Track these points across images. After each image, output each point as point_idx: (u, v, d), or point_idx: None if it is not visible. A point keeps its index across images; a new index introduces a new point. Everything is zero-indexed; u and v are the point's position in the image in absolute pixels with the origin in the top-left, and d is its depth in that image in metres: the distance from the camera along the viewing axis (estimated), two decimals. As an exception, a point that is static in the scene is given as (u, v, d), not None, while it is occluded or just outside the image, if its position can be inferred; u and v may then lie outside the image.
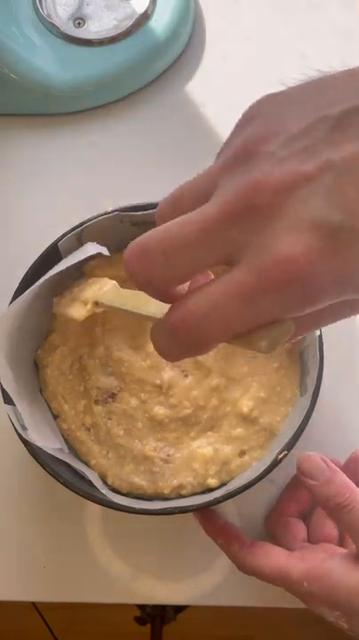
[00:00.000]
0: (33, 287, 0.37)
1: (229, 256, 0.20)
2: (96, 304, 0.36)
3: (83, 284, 0.39)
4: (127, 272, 0.21)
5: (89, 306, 0.36)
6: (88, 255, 0.37)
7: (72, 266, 0.38)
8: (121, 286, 0.42)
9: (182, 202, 0.22)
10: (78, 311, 0.37)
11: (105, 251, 0.38)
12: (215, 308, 0.20)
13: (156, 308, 0.27)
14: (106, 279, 0.37)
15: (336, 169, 0.18)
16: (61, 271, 0.37)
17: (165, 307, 0.22)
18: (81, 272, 0.42)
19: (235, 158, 0.20)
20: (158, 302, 0.23)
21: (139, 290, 0.22)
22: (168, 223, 0.21)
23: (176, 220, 0.20)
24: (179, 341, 0.21)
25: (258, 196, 0.19)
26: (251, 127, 0.20)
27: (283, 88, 0.22)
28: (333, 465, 0.35)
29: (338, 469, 0.35)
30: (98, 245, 0.38)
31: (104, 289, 0.36)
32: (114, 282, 0.37)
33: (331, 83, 0.20)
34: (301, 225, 0.18)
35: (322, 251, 0.18)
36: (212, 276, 0.22)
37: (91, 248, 0.38)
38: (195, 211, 0.20)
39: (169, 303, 0.22)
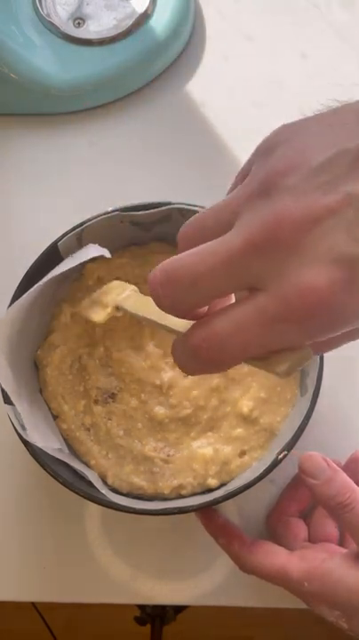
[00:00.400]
0: (33, 288, 0.37)
1: (252, 284, 0.20)
2: (116, 308, 0.37)
3: (105, 286, 0.39)
4: (152, 295, 0.22)
5: (109, 309, 0.37)
6: (89, 257, 0.37)
7: (72, 267, 0.38)
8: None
9: (205, 228, 0.22)
10: (98, 314, 0.37)
11: (106, 253, 0.38)
12: (238, 332, 0.21)
13: (178, 321, 0.28)
14: (126, 284, 0.38)
15: (356, 203, 0.19)
16: (61, 272, 0.37)
17: (187, 321, 0.23)
18: (80, 273, 0.42)
19: (259, 190, 0.20)
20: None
21: (162, 311, 0.23)
22: (192, 251, 0.21)
23: (200, 248, 0.21)
24: (200, 360, 0.22)
25: (281, 229, 0.19)
26: (272, 159, 0.21)
27: (301, 117, 0.23)
28: (334, 465, 0.35)
29: (339, 469, 0.35)
30: (99, 247, 0.38)
31: (124, 293, 0.37)
32: (134, 287, 0.37)
33: (348, 114, 0.21)
34: (324, 258, 0.19)
35: (344, 282, 0.19)
36: (234, 299, 0.23)
37: (93, 250, 0.38)
38: (218, 240, 0.21)
39: (191, 320, 0.23)
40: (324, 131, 0.21)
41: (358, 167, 0.19)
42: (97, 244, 0.38)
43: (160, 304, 0.23)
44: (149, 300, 0.34)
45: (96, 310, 0.38)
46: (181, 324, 0.27)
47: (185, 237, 0.23)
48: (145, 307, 0.34)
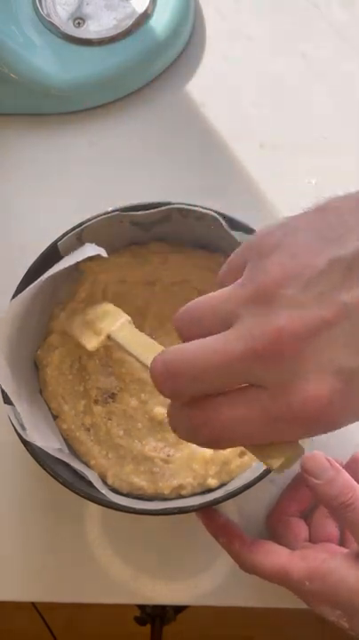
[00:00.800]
0: (30, 287, 0.37)
1: (253, 382, 0.22)
2: (108, 337, 0.37)
3: (99, 308, 0.39)
4: (153, 382, 0.23)
5: (102, 337, 0.38)
6: (86, 256, 0.37)
7: (70, 266, 0.38)
8: (121, 289, 0.42)
9: (203, 321, 0.23)
10: (90, 341, 0.38)
11: (103, 252, 0.38)
12: (241, 424, 0.22)
13: None
14: (121, 312, 0.38)
15: (352, 314, 0.20)
16: (59, 271, 0.37)
17: None
18: (80, 273, 0.42)
19: (256, 297, 0.22)
20: None
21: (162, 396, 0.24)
22: (193, 346, 0.23)
23: (201, 345, 0.22)
24: (198, 437, 0.23)
25: (282, 341, 0.21)
26: (268, 265, 0.22)
27: (292, 214, 0.23)
28: (337, 464, 0.35)
29: (341, 469, 0.35)
30: (96, 246, 0.38)
31: (118, 322, 0.38)
32: (128, 317, 0.38)
33: (332, 213, 0.22)
34: (325, 369, 0.20)
35: (343, 392, 0.21)
36: None
37: (90, 249, 0.38)
38: (219, 339, 0.22)
39: None
40: (313, 234, 0.22)
41: (352, 276, 0.20)
42: (95, 244, 0.38)
43: (161, 392, 0.24)
44: (142, 335, 0.35)
45: (88, 336, 0.38)
46: None
47: (181, 325, 0.24)
48: (136, 343, 0.35)
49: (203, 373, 0.22)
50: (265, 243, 0.23)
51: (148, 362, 0.31)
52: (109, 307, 0.39)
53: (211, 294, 0.24)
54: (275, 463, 0.23)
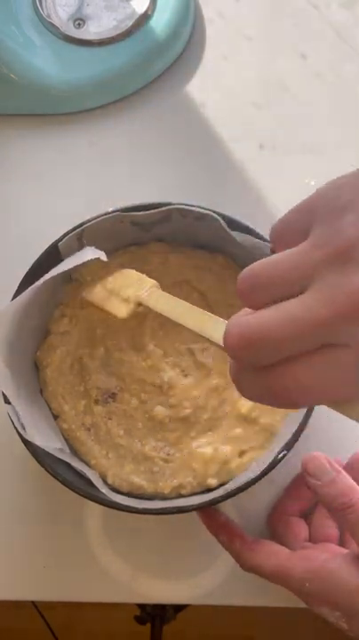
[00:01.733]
0: (29, 289, 0.37)
1: (333, 342, 0.21)
2: (139, 304, 0.36)
3: (119, 275, 0.38)
4: (230, 354, 0.23)
5: (132, 305, 0.36)
6: (86, 260, 0.37)
7: (71, 269, 0.38)
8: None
9: (273, 286, 0.23)
10: (120, 310, 0.36)
11: (103, 256, 0.38)
12: (322, 385, 0.21)
13: (216, 333, 0.29)
14: (145, 277, 0.36)
15: None
16: (58, 274, 0.37)
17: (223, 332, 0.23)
18: (79, 273, 0.42)
19: (334, 259, 0.21)
20: (221, 326, 0.26)
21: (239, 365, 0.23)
22: (269, 314, 0.22)
23: (278, 312, 0.22)
24: (276, 399, 0.23)
25: None
26: (343, 226, 0.21)
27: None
28: (337, 466, 0.35)
29: (342, 470, 0.35)
30: (96, 250, 0.38)
31: (145, 289, 0.36)
32: (154, 282, 0.36)
33: None
34: None
35: None
36: None
37: (90, 252, 0.37)
38: (297, 305, 0.21)
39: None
40: None
41: None
42: (94, 247, 0.38)
43: (240, 362, 0.23)
44: (174, 299, 0.34)
45: (116, 304, 0.37)
46: (218, 338, 0.28)
47: (247, 290, 0.23)
48: (171, 307, 0.33)
49: (285, 342, 0.21)
50: (334, 203, 0.22)
51: (184, 322, 0.31)
52: (132, 272, 0.37)
53: (276, 256, 0.23)
54: (356, 413, 0.23)
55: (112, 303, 0.37)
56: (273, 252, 0.24)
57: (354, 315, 0.20)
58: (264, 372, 0.22)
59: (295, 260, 0.22)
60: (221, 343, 0.25)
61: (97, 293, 0.38)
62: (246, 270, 0.23)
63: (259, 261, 0.23)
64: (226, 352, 0.23)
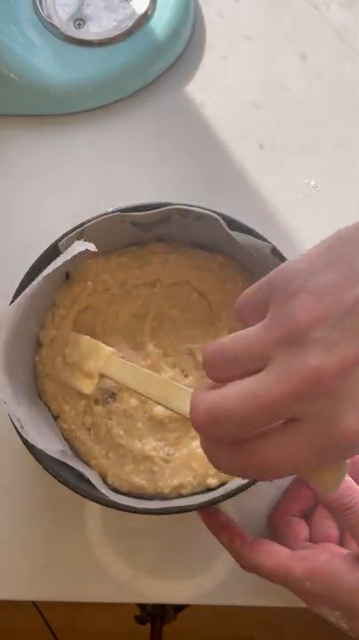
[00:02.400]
0: (25, 292, 0.37)
1: (293, 417, 0.23)
2: (101, 376, 0.38)
3: (73, 345, 0.40)
4: (197, 430, 0.25)
5: (95, 380, 0.38)
6: (76, 253, 0.37)
7: (65, 269, 0.37)
8: (121, 290, 0.42)
9: (233, 363, 0.24)
10: (87, 386, 0.39)
11: (92, 247, 0.37)
12: (289, 462, 0.23)
13: (182, 403, 0.31)
14: (99, 343, 0.39)
15: None
16: (54, 275, 0.37)
17: (187, 403, 0.25)
18: (78, 273, 0.42)
19: (288, 339, 0.23)
20: (186, 398, 0.27)
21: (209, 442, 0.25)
22: (232, 392, 0.23)
23: (241, 390, 0.23)
24: (246, 475, 0.25)
25: (319, 380, 0.22)
26: (295, 308, 0.23)
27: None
28: None
29: None
30: (85, 242, 0.38)
31: (103, 357, 0.38)
32: (111, 349, 0.38)
33: (346, 248, 0.23)
34: None
35: None
36: None
37: (79, 246, 0.37)
38: (256, 382, 0.23)
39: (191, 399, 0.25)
40: (335, 272, 0.23)
41: None
42: (95, 244, 0.38)
43: (204, 436, 0.25)
44: (135, 368, 0.36)
45: (82, 380, 0.39)
46: (183, 409, 0.30)
47: (212, 365, 0.25)
48: (131, 376, 0.36)
49: (247, 418, 0.23)
50: (288, 285, 0.23)
51: (148, 393, 0.33)
52: (87, 341, 0.39)
53: (238, 334, 0.24)
54: (328, 484, 0.25)
55: (76, 379, 0.39)
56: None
57: (305, 393, 0.22)
58: (233, 448, 0.24)
59: (254, 339, 0.24)
60: (187, 415, 0.27)
61: (61, 370, 0.40)
62: (212, 345, 0.25)
63: (225, 337, 0.25)
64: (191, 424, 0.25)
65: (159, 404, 0.33)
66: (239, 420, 0.23)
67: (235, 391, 0.23)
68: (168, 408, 0.33)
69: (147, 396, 0.34)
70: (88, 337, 0.40)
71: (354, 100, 0.49)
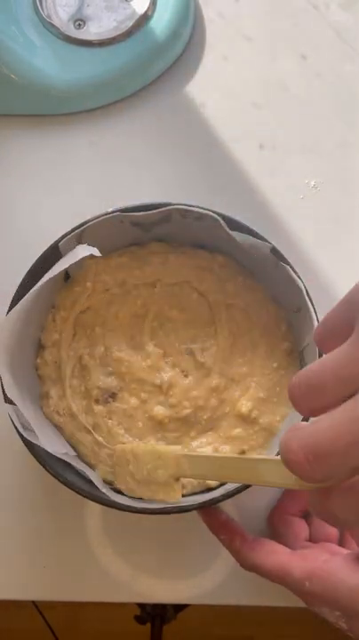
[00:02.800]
0: (28, 295, 0.37)
1: None
2: (178, 479, 0.36)
3: (134, 461, 0.37)
4: (297, 474, 0.22)
5: (175, 486, 0.36)
6: (79, 258, 0.37)
7: (65, 271, 0.37)
8: (121, 290, 0.42)
9: (323, 390, 0.22)
10: (172, 496, 0.36)
11: (96, 252, 0.38)
12: None
13: (273, 474, 0.28)
14: (158, 448, 0.36)
15: None
16: (54, 277, 0.37)
17: (287, 476, 0.23)
18: (78, 273, 0.42)
19: None
20: (272, 465, 0.26)
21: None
22: (328, 422, 0.21)
23: (336, 424, 0.21)
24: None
25: None
26: None
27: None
28: None
29: None
30: (89, 247, 0.38)
31: (172, 467, 0.35)
32: (174, 450, 0.35)
33: None
34: None
35: None
36: None
37: (82, 250, 0.37)
38: (351, 414, 0.20)
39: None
40: None
41: None
42: (95, 245, 0.38)
43: (310, 479, 0.22)
44: (207, 458, 0.33)
45: (164, 493, 0.36)
46: (278, 480, 0.27)
47: (300, 396, 0.23)
48: (211, 469, 0.33)
49: (348, 453, 0.20)
50: None
51: (232, 479, 0.31)
52: (146, 451, 0.37)
53: (323, 359, 0.22)
54: None
55: (158, 494, 0.37)
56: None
57: None
58: (350, 491, 0.22)
59: (345, 360, 0.21)
60: (288, 484, 0.24)
61: (137, 491, 0.38)
62: (297, 376, 0.23)
63: (307, 366, 0.23)
64: (291, 474, 0.22)
65: (250, 485, 0.30)
66: (345, 449, 0.20)
67: (331, 419, 0.21)
68: (261, 485, 0.30)
69: (228, 481, 0.32)
70: (142, 444, 0.38)
71: (354, 100, 0.49)
